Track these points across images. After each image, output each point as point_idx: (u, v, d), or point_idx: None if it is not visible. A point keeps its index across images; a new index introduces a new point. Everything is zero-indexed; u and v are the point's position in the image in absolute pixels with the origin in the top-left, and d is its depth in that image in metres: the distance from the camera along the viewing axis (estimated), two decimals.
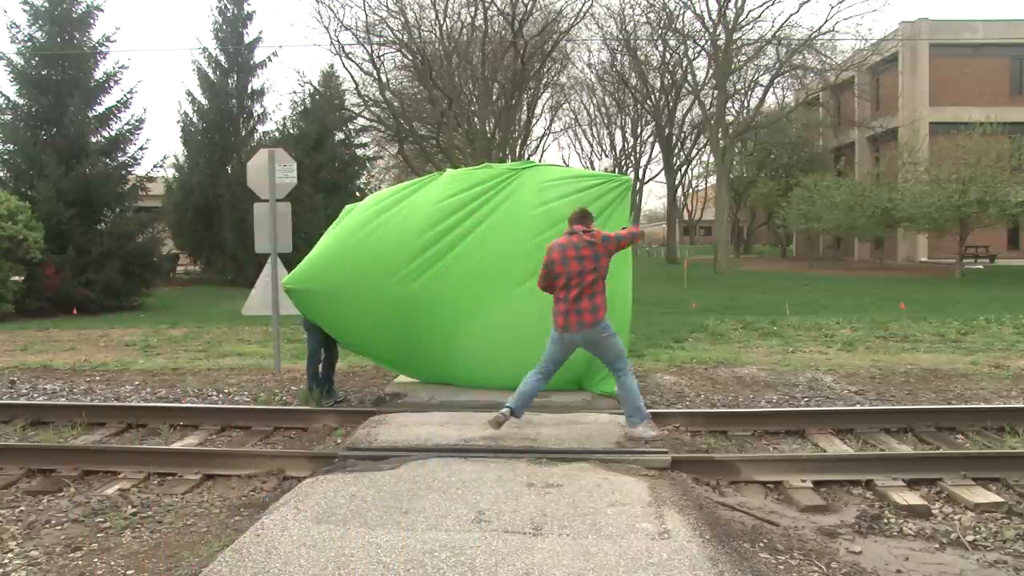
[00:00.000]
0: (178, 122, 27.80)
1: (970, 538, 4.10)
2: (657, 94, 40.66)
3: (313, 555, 3.41)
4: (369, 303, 6.46)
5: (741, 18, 30.89)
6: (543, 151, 57.24)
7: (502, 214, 6.53)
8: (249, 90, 27.81)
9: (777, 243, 51.35)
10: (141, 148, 20.73)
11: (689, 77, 34.92)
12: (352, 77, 29.07)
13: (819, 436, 5.99)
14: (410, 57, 28.76)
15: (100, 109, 20.27)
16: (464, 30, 29.45)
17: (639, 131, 49.72)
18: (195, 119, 27.55)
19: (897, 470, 4.94)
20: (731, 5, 30.83)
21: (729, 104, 35.43)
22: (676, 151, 44.33)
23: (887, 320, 13.12)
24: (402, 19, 27.78)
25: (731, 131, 34.66)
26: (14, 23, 19.16)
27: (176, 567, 3.73)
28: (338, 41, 28.00)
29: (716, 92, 32.80)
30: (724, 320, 13.29)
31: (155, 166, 21.72)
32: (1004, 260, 33.36)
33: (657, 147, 46.04)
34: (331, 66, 30.88)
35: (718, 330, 12.02)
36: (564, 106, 48.54)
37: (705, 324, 12.56)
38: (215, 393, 7.78)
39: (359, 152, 32.66)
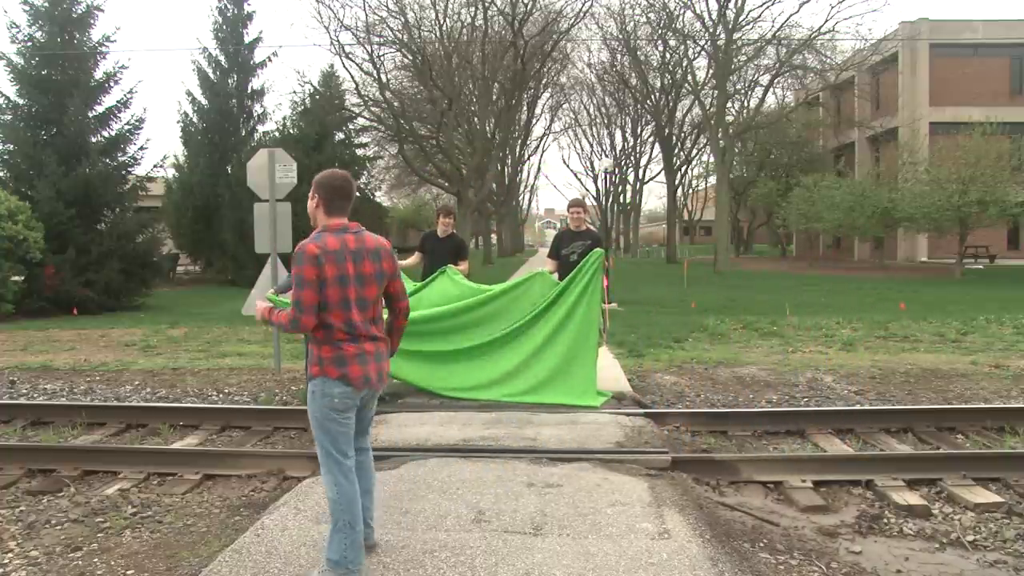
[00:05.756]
0: (178, 122, 27.82)
1: (970, 538, 4.09)
2: (657, 94, 40.70)
3: (313, 555, 3.41)
4: None
5: (741, 18, 30.92)
6: (543, 151, 57.24)
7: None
8: (249, 90, 27.80)
9: (777, 243, 51.36)
10: (141, 148, 20.73)
11: (689, 77, 34.95)
12: (352, 77, 29.10)
13: (819, 436, 5.98)
14: (410, 57, 28.76)
15: (100, 109, 20.26)
16: (464, 30, 29.46)
17: (639, 131, 49.87)
18: (195, 119, 27.54)
19: (897, 470, 4.93)
20: (731, 5, 30.87)
21: (729, 104, 35.46)
22: (676, 151, 44.38)
23: (887, 320, 13.11)
24: (402, 19, 27.80)
25: (731, 131, 34.67)
26: (14, 23, 19.17)
27: (176, 567, 3.73)
28: (338, 41, 27.96)
29: (716, 92, 32.80)
30: (724, 320, 13.28)
31: (155, 166, 21.73)
32: (1004, 260, 33.36)
33: (657, 147, 46.14)
34: (331, 66, 30.93)
35: (718, 330, 12.01)
36: (564, 106, 48.78)
37: (705, 324, 12.56)
38: (215, 393, 7.78)
39: (359, 152, 32.67)
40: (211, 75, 27.47)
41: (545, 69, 36.31)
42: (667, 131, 41.51)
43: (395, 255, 3.39)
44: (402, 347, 3.50)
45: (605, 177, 43.83)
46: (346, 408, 3.17)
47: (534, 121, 45.16)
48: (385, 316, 3.45)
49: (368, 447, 3.49)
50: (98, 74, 20.14)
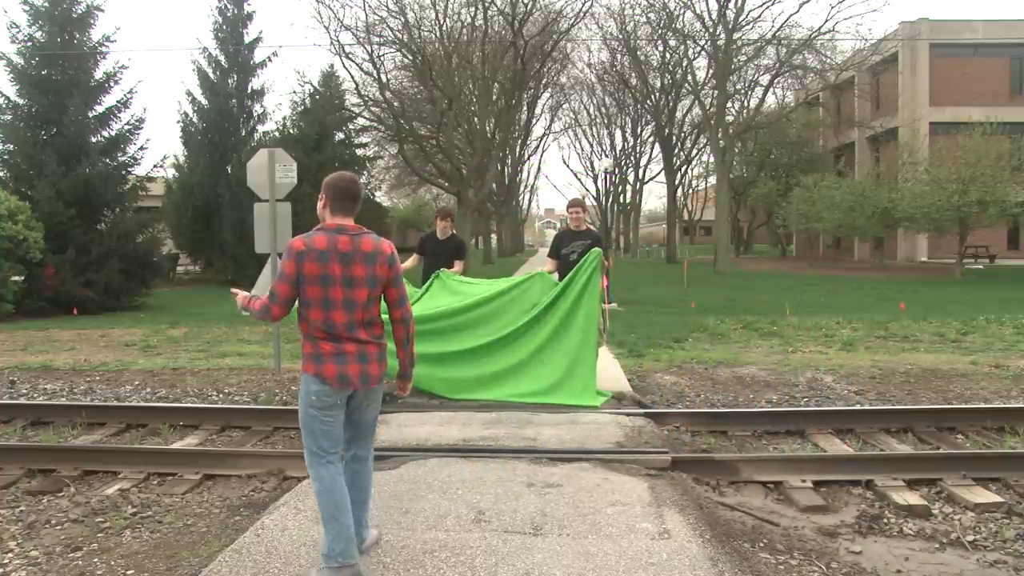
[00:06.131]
0: (178, 122, 27.82)
1: (970, 538, 4.09)
2: (657, 94, 40.71)
3: (313, 555, 3.41)
4: None
5: (741, 18, 30.92)
6: (543, 151, 57.07)
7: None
8: (249, 90, 27.80)
9: (777, 243, 51.36)
10: (141, 148, 20.75)
11: (689, 77, 34.95)
12: (352, 77, 29.04)
13: (819, 436, 5.98)
14: (410, 57, 28.72)
15: (100, 109, 20.27)
16: (464, 30, 29.42)
17: (639, 131, 49.87)
18: (195, 119, 27.54)
19: (897, 470, 4.93)
20: (731, 5, 30.87)
21: (729, 104, 35.46)
22: (676, 151, 44.37)
23: (887, 320, 13.12)
24: (402, 19, 27.75)
25: (731, 131, 34.67)
26: (14, 23, 19.18)
27: (176, 567, 3.73)
28: (338, 41, 27.87)
29: (716, 92, 32.80)
30: (724, 320, 13.28)
31: (155, 166, 21.75)
32: (1004, 260, 33.37)
33: (657, 147, 46.13)
34: (331, 66, 30.93)
35: (718, 330, 12.01)
36: (564, 106, 48.78)
37: (705, 324, 12.56)
38: (215, 393, 7.78)
39: (359, 152, 32.65)
40: (211, 75, 27.46)
41: (545, 69, 36.28)
42: (667, 131, 41.51)
43: (396, 261, 3.35)
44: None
45: (605, 177, 43.93)
46: (325, 406, 3.18)
47: (534, 121, 45.16)
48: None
49: (366, 456, 3.48)
50: (98, 74, 20.16)
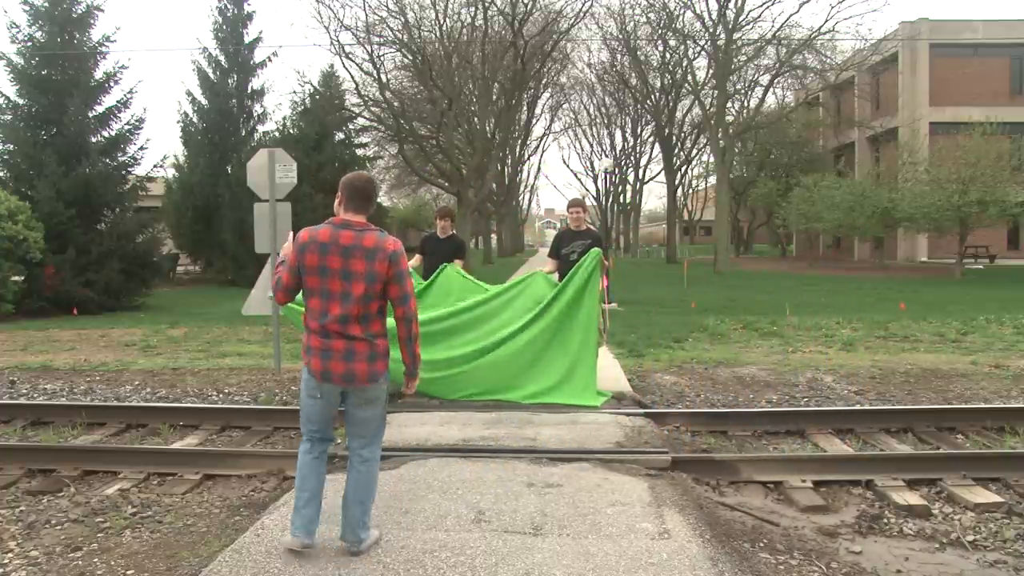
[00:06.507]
0: (178, 122, 27.84)
1: (970, 538, 4.10)
2: (657, 94, 40.72)
3: (314, 555, 3.41)
4: None
5: (741, 18, 30.92)
6: (543, 151, 56.99)
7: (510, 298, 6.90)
8: (249, 90, 27.82)
9: (777, 243, 51.37)
10: (141, 148, 20.75)
11: (689, 77, 34.95)
12: (352, 77, 29.03)
13: (819, 436, 5.98)
14: (410, 57, 28.72)
15: (100, 109, 20.27)
16: (464, 30, 29.42)
17: (639, 131, 49.89)
18: (195, 119, 27.55)
19: (897, 470, 4.93)
20: (731, 5, 30.88)
21: (729, 104, 35.46)
22: (676, 151, 44.37)
23: (887, 320, 13.12)
24: (402, 19, 27.75)
25: (731, 131, 34.66)
26: (14, 23, 19.18)
27: (176, 567, 3.73)
28: (338, 41, 27.86)
29: (716, 92, 32.80)
30: (724, 320, 13.28)
31: (155, 166, 21.75)
32: (1004, 260, 33.37)
33: (657, 147, 46.14)
34: (331, 66, 30.85)
35: (718, 330, 12.01)
36: (564, 106, 48.80)
37: (705, 324, 12.56)
38: (215, 393, 7.78)
39: (359, 152, 32.63)
40: (211, 75, 27.47)
41: (545, 69, 36.28)
42: (667, 131, 41.52)
43: (399, 259, 3.33)
44: (395, 353, 3.47)
45: (605, 177, 43.98)
46: (311, 393, 3.40)
47: (534, 121, 45.17)
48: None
49: (369, 457, 3.51)
50: (98, 74, 20.16)
